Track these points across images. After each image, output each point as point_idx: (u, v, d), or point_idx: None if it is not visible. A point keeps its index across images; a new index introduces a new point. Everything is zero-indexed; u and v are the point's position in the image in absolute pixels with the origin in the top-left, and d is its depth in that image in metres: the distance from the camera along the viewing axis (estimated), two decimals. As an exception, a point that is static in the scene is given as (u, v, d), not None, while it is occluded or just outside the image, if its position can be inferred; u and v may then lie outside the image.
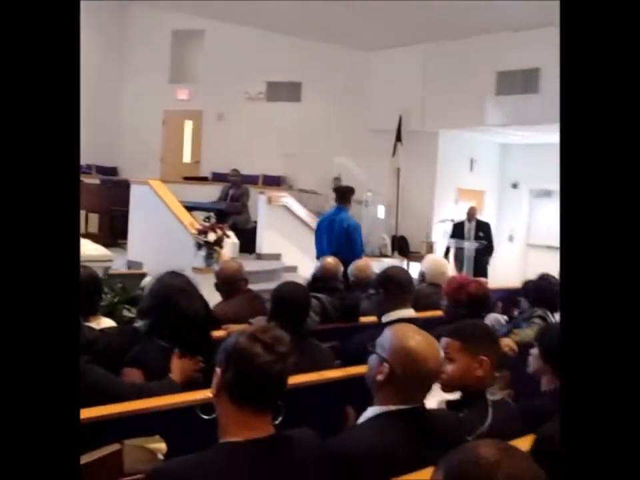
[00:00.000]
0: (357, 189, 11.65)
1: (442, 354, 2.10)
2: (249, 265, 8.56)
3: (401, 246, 11.75)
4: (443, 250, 10.87)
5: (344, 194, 6.93)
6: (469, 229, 10.50)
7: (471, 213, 10.60)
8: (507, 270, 11.20)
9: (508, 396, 3.53)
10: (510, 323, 4.08)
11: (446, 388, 2.38)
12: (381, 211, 12.06)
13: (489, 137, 12.25)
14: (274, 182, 11.97)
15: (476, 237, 10.33)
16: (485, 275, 10.09)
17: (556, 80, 7.66)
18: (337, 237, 6.48)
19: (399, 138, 11.61)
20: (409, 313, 3.31)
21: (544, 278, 4.11)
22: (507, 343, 3.52)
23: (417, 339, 2.04)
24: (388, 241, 11.69)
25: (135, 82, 12.87)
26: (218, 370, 1.71)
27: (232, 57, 12.00)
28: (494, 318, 4.99)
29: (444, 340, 2.40)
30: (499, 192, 13.01)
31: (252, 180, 11.53)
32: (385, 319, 3.29)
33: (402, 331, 2.10)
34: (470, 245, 10.06)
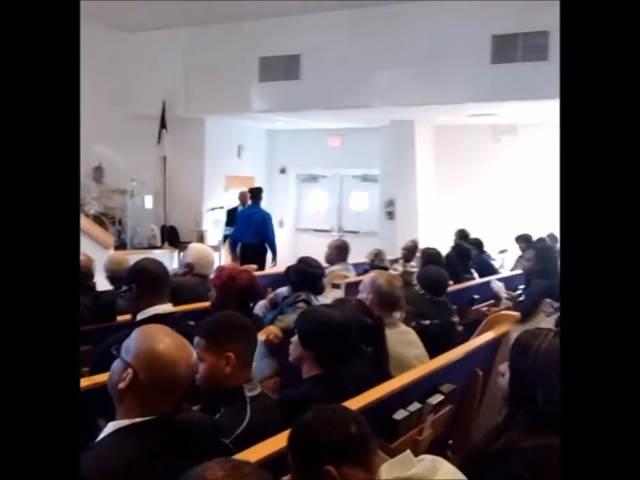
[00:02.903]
0: (120, 179, 11.11)
1: (194, 356, 1.89)
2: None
3: (170, 236, 11.37)
4: (222, 238, 10.81)
5: (256, 193, 9.35)
6: (242, 214, 10.49)
7: (243, 198, 10.61)
8: (280, 255, 11.35)
9: (274, 384, 3.46)
10: (275, 309, 4.00)
11: (202, 390, 2.19)
12: (148, 201, 11.55)
13: (255, 123, 12.29)
14: (27, 173, 10.88)
15: None
16: (262, 261, 10.11)
17: (316, 66, 7.74)
18: (256, 225, 8.96)
19: (163, 125, 11.18)
20: (166, 307, 3.05)
21: (303, 261, 4.08)
22: (271, 330, 3.43)
23: (166, 341, 1.82)
24: (157, 232, 11.25)
25: None
26: None
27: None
28: (261, 304, 4.92)
29: (195, 339, 2.21)
30: (267, 178, 13.13)
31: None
32: (140, 316, 3.00)
33: (150, 333, 1.87)
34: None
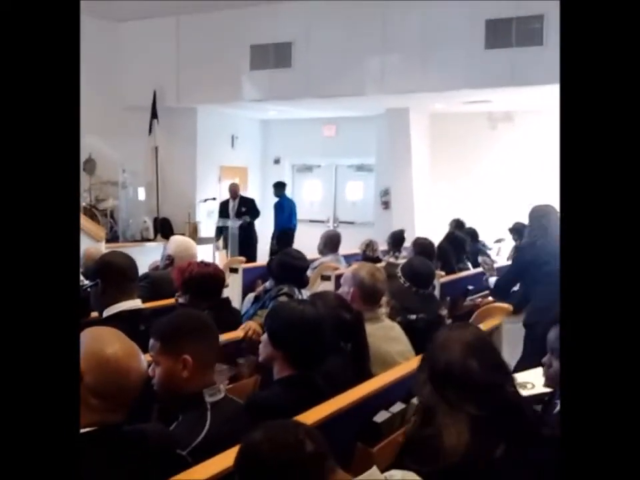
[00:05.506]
0: (112, 170, 10.93)
1: (144, 364, 1.73)
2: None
3: (164, 228, 11.19)
4: (215, 231, 10.66)
5: (281, 187, 11.06)
6: (233, 206, 10.36)
7: (233, 190, 10.46)
8: (276, 246, 11.22)
9: (254, 382, 3.30)
10: (256, 303, 3.84)
11: (159, 396, 2.03)
12: (140, 193, 11.37)
13: (248, 113, 12.09)
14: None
15: (238, 214, 10.21)
16: (253, 252, 9.97)
17: (308, 54, 7.49)
18: (289, 214, 10.90)
19: (154, 115, 10.98)
20: (135, 303, 2.89)
21: (286, 253, 3.91)
22: (250, 326, 3.27)
23: (115, 346, 1.67)
24: (150, 224, 11.07)
25: None
26: None
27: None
28: (251, 297, 4.75)
29: (150, 341, 2.04)
30: (261, 168, 12.95)
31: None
32: (106, 313, 2.86)
33: (98, 336, 1.72)
34: (233, 223, 9.91)
